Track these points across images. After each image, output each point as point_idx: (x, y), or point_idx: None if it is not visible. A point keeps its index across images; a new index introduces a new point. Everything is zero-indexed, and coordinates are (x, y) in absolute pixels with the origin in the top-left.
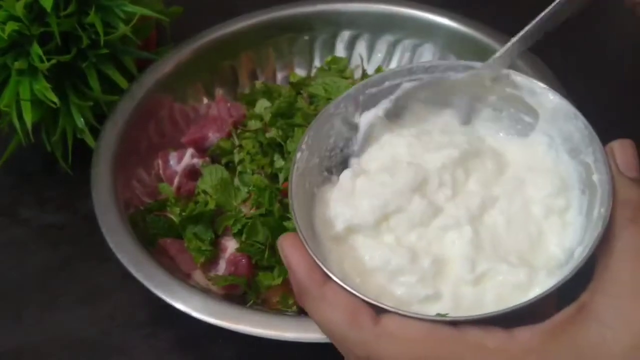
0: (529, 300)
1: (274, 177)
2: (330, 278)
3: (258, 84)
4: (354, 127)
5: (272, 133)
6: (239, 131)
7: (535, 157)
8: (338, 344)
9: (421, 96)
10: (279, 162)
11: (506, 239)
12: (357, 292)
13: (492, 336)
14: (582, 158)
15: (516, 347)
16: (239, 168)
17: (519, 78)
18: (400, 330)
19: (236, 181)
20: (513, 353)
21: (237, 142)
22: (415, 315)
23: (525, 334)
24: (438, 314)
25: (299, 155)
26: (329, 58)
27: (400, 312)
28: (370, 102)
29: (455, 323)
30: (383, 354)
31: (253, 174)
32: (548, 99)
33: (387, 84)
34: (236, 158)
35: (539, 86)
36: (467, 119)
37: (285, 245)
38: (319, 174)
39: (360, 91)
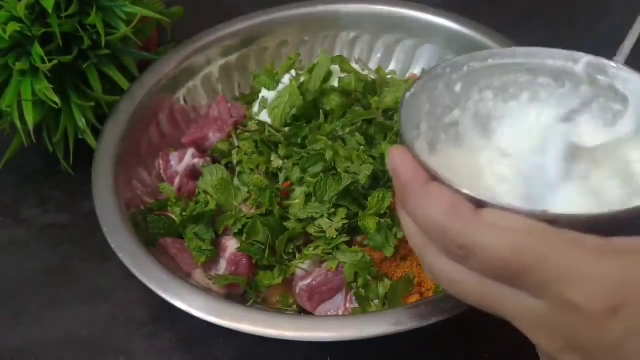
0: (633, 206)
1: (272, 176)
2: (434, 180)
3: None
4: (455, 95)
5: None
6: (239, 131)
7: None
8: (439, 236)
9: (517, 83)
10: (277, 162)
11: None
12: (460, 187)
13: (590, 237)
14: None
15: (615, 246)
16: (237, 169)
17: (612, 68)
18: (500, 220)
19: (236, 181)
20: (613, 249)
21: (236, 143)
22: (516, 208)
23: (621, 240)
24: (539, 210)
25: (408, 94)
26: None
27: (501, 204)
28: (471, 77)
29: (554, 222)
30: (483, 241)
31: (251, 173)
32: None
33: (490, 61)
34: (234, 159)
35: (630, 72)
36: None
37: (393, 152)
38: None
39: (466, 62)
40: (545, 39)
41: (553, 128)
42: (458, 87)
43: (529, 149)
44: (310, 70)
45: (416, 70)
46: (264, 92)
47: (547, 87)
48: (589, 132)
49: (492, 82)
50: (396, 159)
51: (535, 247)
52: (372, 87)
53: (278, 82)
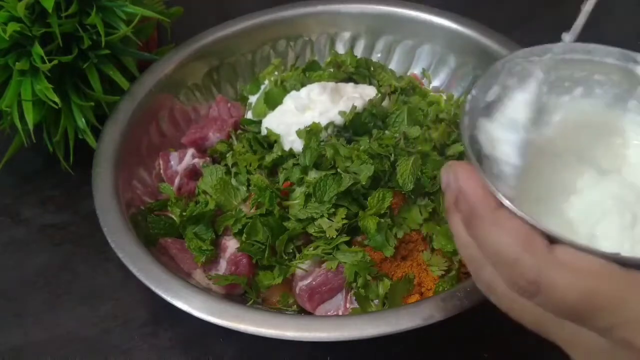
0: None
1: (268, 172)
2: (502, 206)
3: None
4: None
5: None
6: (239, 132)
7: None
8: (507, 266)
9: (573, 77)
10: (270, 157)
11: None
12: (533, 220)
13: None
14: None
15: None
16: (233, 169)
17: None
18: (573, 261)
19: (234, 182)
20: None
21: (235, 144)
22: (590, 249)
23: None
24: (612, 252)
25: (469, 97)
26: (328, 58)
27: (575, 243)
28: (527, 71)
29: (624, 264)
30: (555, 280)
31: (248, 172)
32: None
33: (548, 55)
34: (229, 161)
35: None
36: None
37: (460, 170)
38: (484, 116)
39: (525, 56)
40: (545, 39)
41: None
42: (513, 81)
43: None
44: (294, 69)
45: (416, 70)
46: (250, 98)
47: (603, 84)
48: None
49: (548, 76)
50: (464, 178)
51: (607, 292)
52: (366, 65)
53: (260, 86)
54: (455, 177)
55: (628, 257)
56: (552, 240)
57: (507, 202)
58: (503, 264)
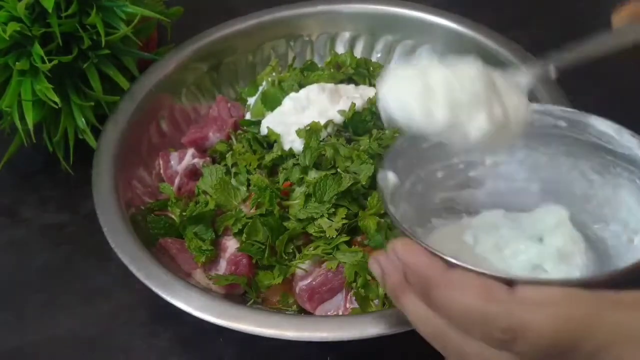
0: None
1: (268, 172)
2: (451, 266)
3: None
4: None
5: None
6: (238, 132)
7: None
8: (477, 324)
9: None
10: (269, 156)
11: None
12: (483, 269)
13: (626, 293)
14: None
15: None
16: (233, 170)
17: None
18: (538, 296)
19: (234, 182)
20: None
21: (235, 144)
22: (549, 281)
23: None
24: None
25: (380, 176)
26: (328, 58)
27: (534, 279)
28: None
29: (585, 285)
30: (527, 320)
31: (248, 172)
32: (626, 140)
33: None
34: (229, 162)
35: (615, 127)
36: None
37: (398, 248)
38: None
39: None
40: (544, 39)
41: None
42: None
43: None
44: (292, 70)
45: None
46: (249, 100)
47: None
48: None
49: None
50: (404, 251)
51: (582, 317)
52: (366, 66)
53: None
54: (395, 254)
55: (586, 278)
56: (508, 283)
57: (454, 260)
58: (473, 323)
